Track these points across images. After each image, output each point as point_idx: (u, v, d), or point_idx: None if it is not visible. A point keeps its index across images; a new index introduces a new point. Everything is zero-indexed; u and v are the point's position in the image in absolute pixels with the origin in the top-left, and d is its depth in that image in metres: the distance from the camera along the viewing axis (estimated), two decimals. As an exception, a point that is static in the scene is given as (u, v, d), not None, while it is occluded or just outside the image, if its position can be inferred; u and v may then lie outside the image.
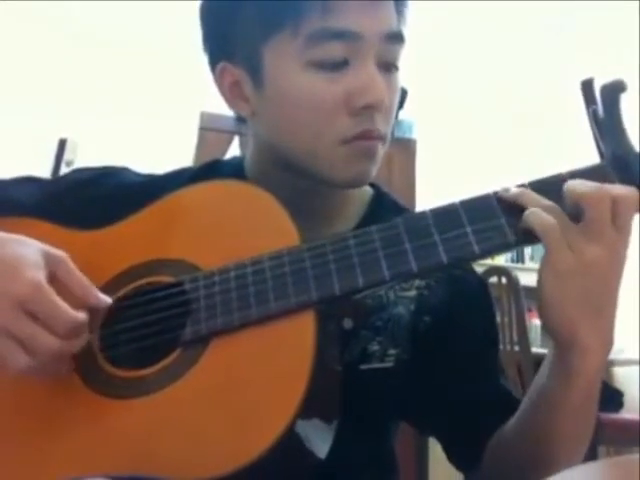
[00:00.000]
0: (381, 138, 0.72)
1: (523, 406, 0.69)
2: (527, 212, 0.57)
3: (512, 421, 0.70)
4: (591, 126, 0.60)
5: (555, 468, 0.58)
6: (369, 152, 0.71)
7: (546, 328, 0.60)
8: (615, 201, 0.55)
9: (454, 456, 0.80)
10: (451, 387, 0.76)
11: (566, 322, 0.57)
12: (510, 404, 0.73)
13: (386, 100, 0.70)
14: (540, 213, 0.56)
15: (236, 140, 2.62)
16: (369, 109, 0.69)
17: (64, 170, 3.18)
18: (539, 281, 0.58)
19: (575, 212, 0.56)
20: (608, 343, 0.59)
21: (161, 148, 3.44)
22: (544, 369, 0.64)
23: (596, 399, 0.63)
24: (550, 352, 0.63)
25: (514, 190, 0.59)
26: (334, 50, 0.68)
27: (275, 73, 0.71)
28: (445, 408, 0.77)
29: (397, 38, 0.72)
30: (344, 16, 0.68)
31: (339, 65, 0.69)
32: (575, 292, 0.56)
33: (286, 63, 0.70)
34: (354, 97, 0.69)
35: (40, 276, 0.59)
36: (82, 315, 0.60)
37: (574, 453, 0.65)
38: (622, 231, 0.56)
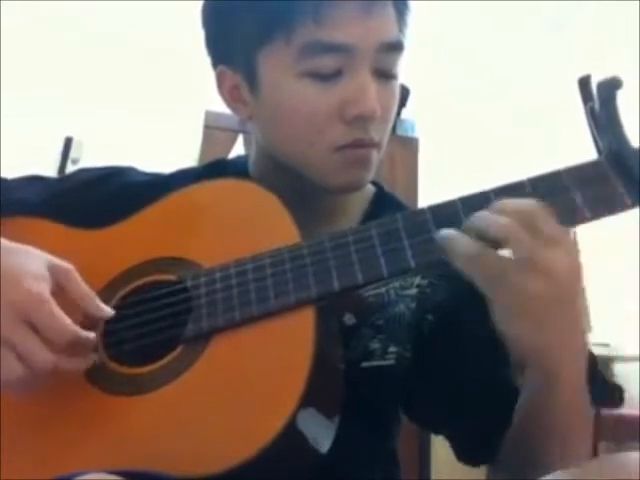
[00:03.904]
0: (375, 145, 0.72)
1: (519, 404, 0.68)
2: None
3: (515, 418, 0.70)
4: (588, 123, 0.60)
5: (556, 466, 0.58)
6: (363, 160, 0.72)
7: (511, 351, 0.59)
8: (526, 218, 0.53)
9: (468, 452, 0.79)
10: (465, 385, 0.76)
11: (527, 349, 0.56)
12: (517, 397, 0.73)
13: (378, 110, 0.69)
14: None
15: (240, 138, 2.62)
16: (361, 119, 0.69)
17: (70, 168, 3.19)
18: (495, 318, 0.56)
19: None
20: (579, 344, 0.58)
21: (166, 146, 3.44)
22: (525, 376, 0.64)
23: (585, 395, 0.62)
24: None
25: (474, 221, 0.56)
26: (327, 62, 0.68)
27: (269, 80, 0.71)
28: (460, 406, 0.76)
29: (393, 47, 0.72)
30: (337, 28, 0.67)
31: (332, 75, 0.69)
32: (529, 321, 0.54)
33: (280, 71, 0.70)
34: (347, 107, 0.69)
35: (43, 287, 0.59)
36: (84, 333, 0.59)
37: (572, 450, 0.64)
38: (555, 243, 0.53)
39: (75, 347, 0.59)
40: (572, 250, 0.55)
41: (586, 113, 0.60)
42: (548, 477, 0.49)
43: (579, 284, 0.56)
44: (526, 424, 0.66)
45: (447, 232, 0.55)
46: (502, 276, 0.53)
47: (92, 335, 0.60)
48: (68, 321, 0.58)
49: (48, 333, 0.57)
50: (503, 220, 0.53)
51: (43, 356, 0.57)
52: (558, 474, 0.50)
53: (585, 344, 0.59)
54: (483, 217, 0.55)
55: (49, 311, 0.58)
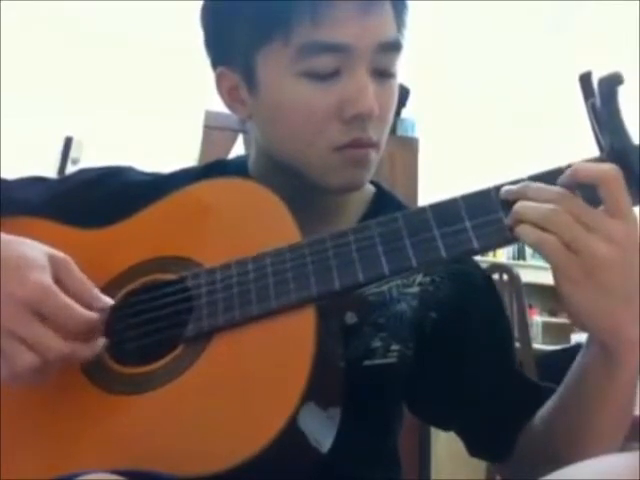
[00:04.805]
0: (373, 145, 0.72)
1: (557, 402, 0.69)
2: (517, 228, 0.56)
3: (543, 413, 0.71)
4: (590, 119, 0.60)
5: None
6: (361, 160, 0.72)
7: (588, 332, 0.59)
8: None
9: (479, 449, 0.80)
10: (473, 381, 0.76)
11: (605, 322, 0.55)
12: (537, 392, 0.73)
13: (376, 109, 0.69)
14: (530, 230, 0.55)
15: (240, 138, 2.62)
16: (359, 118, 0.69)
17: (70, 168, 3.20)
18: (559, 294, 0.55)
19: (590, 195, 0.55)
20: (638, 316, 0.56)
21: (166, 146, 3.45)
22: (579, 367, 0.64)
23: (636, 396, 0.63)
24: (588, 350, 0.62)
25: (515, 188, 0.58)
26: (325, 62, 0.68)
27: (268, 81, 0.72)
28: (469, 402, 0.77)
29: (391, 47, 0.72)
30: (334, 28, 0.67)
31: (330, 75, 0.69)
32: (599, 290, 0.54)
33: (278, 72, 0.70)
34: (345, 106, 0.69)
35: (46, 277, 0.59)
36: (94, 314, 0.60)
37: (607, 449, 0.63)
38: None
39: (86, 331, 0.59)
40: (630, 220, 0.55)
41: (587, 109, 0.60)
42: (549, 476, 0.49)
43: (637, 256, 0.55)
44: (567, 410, 0.66)
45: (517, 202, 0.56)
46: (573, 239, 0.53)
47: (97, 317, 0.60)
48: (77, 307, 0.59)
49: (60, 321, 0.58)
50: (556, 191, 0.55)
51: (55, 344, 0.57)
52: (558, 474, 0.49)
53: None
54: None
55: (59, 300, 0.58)
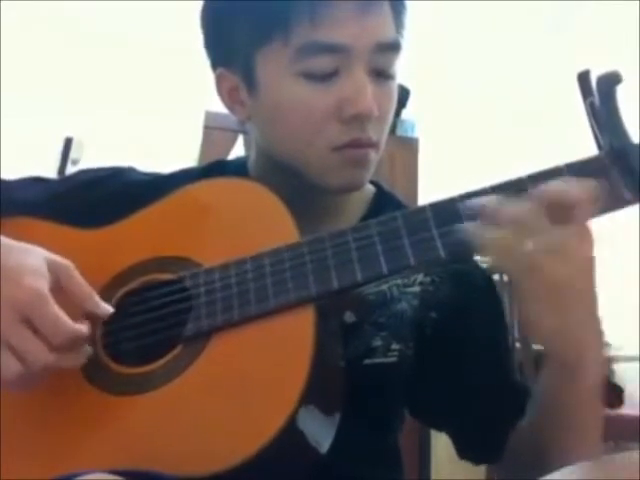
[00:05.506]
0: (372, 145, 0.72)
1: (534, 405, 0.69)
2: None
3: (530, 419, 0.71)
4: (589, 118, 0.60)
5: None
6: (360, 160, 0.72)
7: (550, 352, 0.61)
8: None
9: (470, 451, 0.80)
10: (471, 380, 0.77)
11: (564, 341, 0.57)
12: (527, 396, 0.74)
13: (375, 109, 0.70)
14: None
15: (240, 138, 2.62)
16: (358, 118, 0.70)
17: (70, 168, 3.19)
18: (522, 314, 0.57)
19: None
20: (597, 332, 0.58)
21: (166, 147, 3.45)
22: (542, 387, 0.65)
23: (599, 392, 0.63)
24: (549, 370, 0.63)
25: (480, 201, 0.58)
26: (324, 62, 0.69)
27: (267, 81, 0.72)
28: (466, 402, 0.77)
29: (390, 47, 0.72)
30: (333, 28, 0.68)
31: (329, 75, 0.69)
32: (559, 310, 0.55)
33: (277, 72, 0.70)
34: (344, 106, 0.69)
35: (42, 285, 0.59)
36: (81, 327, 0.59)
37: (585, 450, 0.64)
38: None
39: (73, 344, 0.59)
40: (587, 238, 0.56)
41: (586, 108, 0.60)
42: (547, 477, 0.49)
43: (594, 272, 0.56)
44: (541, 421, 0.67)
45: (473, 225, 0.56)
46: (532, 261, 0.54)
47: (86, 330, 0.60)
48: (66, 320, 0.58)
49: (46, 332, 0.57)
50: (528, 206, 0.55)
51: (40, 355, 0.57)
52: (557, 474, 0.49)
53: (602, 346, 0.60)
54: (519, 205, 0.56)
55: (47, 310, 0.58)
